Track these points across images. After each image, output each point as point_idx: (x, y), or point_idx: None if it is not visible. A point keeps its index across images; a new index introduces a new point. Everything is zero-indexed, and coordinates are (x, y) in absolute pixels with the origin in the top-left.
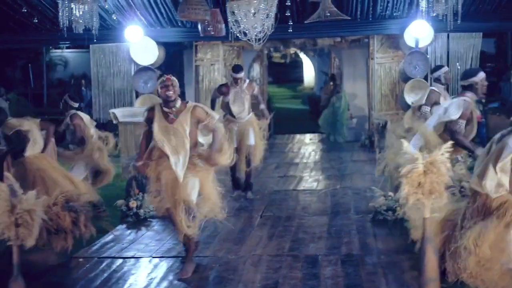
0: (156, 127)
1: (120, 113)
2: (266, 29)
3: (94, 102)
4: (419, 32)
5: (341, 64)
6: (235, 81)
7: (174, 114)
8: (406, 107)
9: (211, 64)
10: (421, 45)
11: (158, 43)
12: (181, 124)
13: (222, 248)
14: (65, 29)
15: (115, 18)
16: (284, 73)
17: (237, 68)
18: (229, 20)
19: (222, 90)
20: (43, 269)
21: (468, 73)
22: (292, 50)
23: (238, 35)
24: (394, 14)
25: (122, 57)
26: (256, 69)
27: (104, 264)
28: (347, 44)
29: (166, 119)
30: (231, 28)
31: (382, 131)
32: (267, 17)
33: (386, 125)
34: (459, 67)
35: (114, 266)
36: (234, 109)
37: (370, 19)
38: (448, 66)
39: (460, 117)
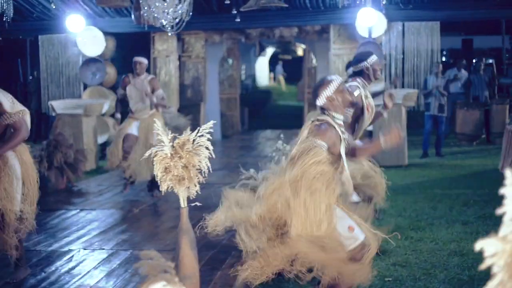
0: None
1: (58, 105)
2: (181, 15)
3: (43, 93)
4: (368, 21)
5: (315, 58)
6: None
7: None
8: None
9: (166, 56)
10: (375, 35)
11: (108, 33)
12: None
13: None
14: None
15: (53, 7)
16: (296, 70)
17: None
18: (141, 5)
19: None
20: None
21: (358, 58)
22: (301, 46)
23: (151, 22)
24: (346, 2)
25: (71, 48)
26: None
27: None
28: (315, 36)
29: None
30: (144, 15)
31: None
32: (180, 3)
33: None
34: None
35: None
36: (132, 103)
37: (322, 8)
38: (403, 58)
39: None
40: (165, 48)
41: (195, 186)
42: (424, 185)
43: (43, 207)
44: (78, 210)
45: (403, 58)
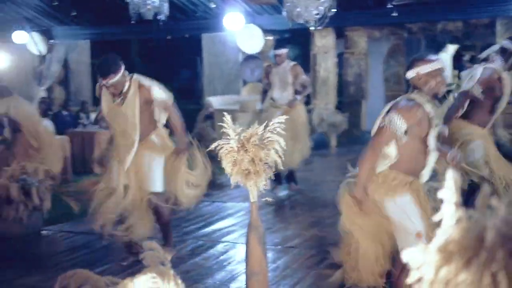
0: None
1: (217, 101)
2: (323, 10)
3: (206, 90)
4: None
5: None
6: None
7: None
8: None
9: (325, 53)
10: None
11: (267, 30)
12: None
13: None
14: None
15: (213, 5)
16: None
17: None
18: (284, 2)
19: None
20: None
21: None
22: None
23: (293, 18)
24: None
25: (230, 46)
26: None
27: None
28: (483, 30)
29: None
30: (287, 10)
31: None
32: None
33: None
34: None
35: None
36: (273, 92)
37: None
38: None
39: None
40: (323, 44)
41: (263, 180)
42: None
43: None
44: (210, 202)
45: None
